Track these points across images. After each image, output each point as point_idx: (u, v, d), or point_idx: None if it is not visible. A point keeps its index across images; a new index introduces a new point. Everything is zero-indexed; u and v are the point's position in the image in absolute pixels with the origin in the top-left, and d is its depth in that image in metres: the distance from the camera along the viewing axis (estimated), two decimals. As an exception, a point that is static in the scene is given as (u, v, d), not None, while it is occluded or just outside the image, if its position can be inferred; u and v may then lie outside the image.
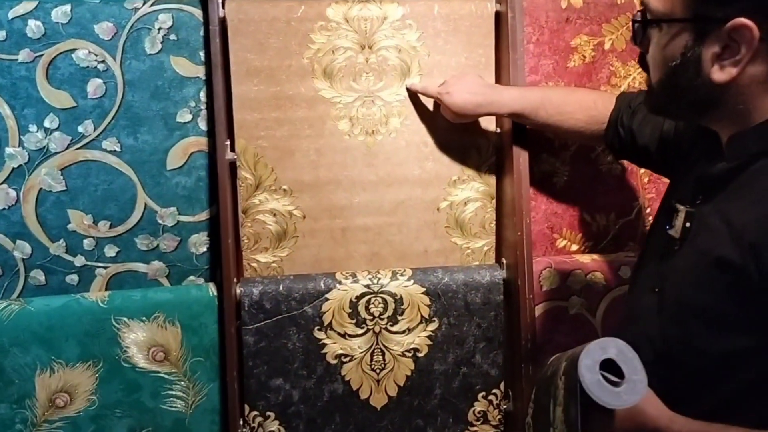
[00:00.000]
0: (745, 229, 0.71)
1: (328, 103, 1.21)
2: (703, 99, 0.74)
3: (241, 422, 1.21)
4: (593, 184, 1.31)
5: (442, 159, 1.26)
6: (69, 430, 1.16)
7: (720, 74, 0.70)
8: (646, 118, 1.01)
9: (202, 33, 1.15)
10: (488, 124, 1.26)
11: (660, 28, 0.75)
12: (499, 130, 1.26)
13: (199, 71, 1.16)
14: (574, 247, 1.33)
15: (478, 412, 1.29)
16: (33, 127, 1.12)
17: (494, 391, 1.29)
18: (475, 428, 1.29)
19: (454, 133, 1.25)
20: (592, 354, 0.76)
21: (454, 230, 1.29)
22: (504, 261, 1.28)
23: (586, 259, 1.30)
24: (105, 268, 1.19)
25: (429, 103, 1.24)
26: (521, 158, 1.20)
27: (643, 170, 1.31)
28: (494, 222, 1.30)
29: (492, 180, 1.28)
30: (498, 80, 1.24)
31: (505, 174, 1.26)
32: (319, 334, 1.22)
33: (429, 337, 1.26)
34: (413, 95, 1.23)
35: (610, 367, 0.77)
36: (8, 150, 1.12)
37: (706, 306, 0.75)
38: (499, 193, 1.29)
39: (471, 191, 1.28)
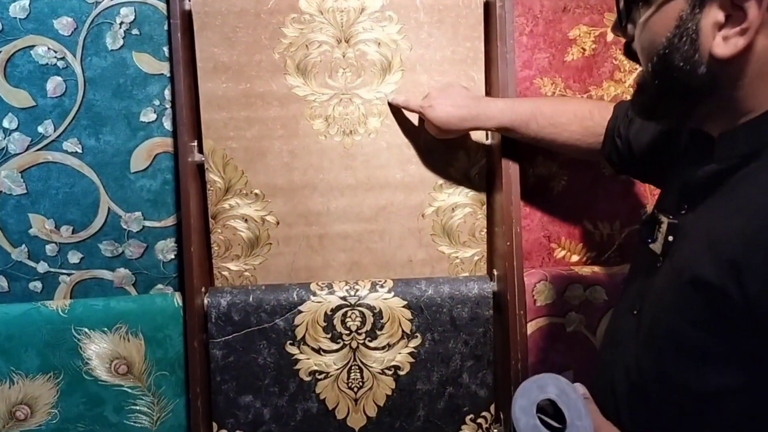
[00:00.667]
0: (724, 244, 0.59)
1: (302, 101, 1.13)
2: (698, 85, 0.62)
3: (210, 440, 1.14)
4: (595, 189, 1.19)
5: (426, 161, 1.16)
6: (29, 444, 1.11)
7: (724, 47, 0.58)
8: (644, 125, 0.90)
9: (166, 27, 1.08)
10: (477, 123, 1.15)
11: (647, 1, 0.64)
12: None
13: (164, 68, 1.10)
14: (575, 258, 1.21)
15: (466, 436, 1.19)
16: (-9, 128, 1.07)
17: (483, 413, 1.19)
18: (463, 453, 1.19)
19: (439, 133, 1.15)
20: (527, 393, 0.66)
21: (441, 238, 1.19)
22: (495, 272, 1.17)
23: (586, 271, 1.18)
24: (69, 275, 1.13)
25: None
26: (511, 161, 1.10)
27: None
28: (485, 230, 1.20)
29: (482, 184, 1.18)
30: (487, 75, 1.14)
31: (496, 178, 1.15)
32: (292, 349, 1.14)
33: (411, 354, 1.16)
34: (396, 110, 1.14)
35: (551, 408, 0.66)
36: (-34, 151, 1.07)
37: (682, 333, 0.64)
38: (490, 198, 1.19)
39: (459, 196, 1.18)
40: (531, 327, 1.16)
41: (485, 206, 1.19)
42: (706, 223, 0.64)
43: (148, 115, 1.10)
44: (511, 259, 1.11)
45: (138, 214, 1.13)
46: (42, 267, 1.12)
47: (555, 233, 1.20)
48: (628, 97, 1.16)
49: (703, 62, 0.61)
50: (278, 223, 1.16)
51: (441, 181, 1.17)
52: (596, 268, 1.19)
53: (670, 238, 0.69)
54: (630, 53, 0.71)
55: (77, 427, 1.12)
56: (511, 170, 1.10)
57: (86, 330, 1.10)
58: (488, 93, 1.15)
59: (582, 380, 1.11)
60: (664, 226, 0.70)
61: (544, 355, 1.17)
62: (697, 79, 0.62)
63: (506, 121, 1.03)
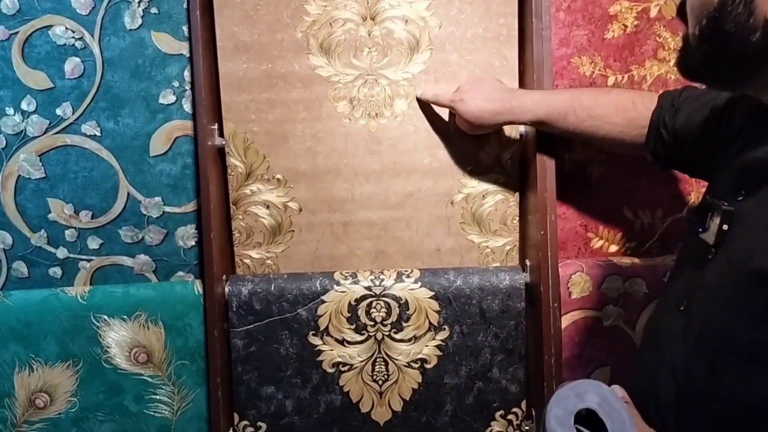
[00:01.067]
0: None
1: (326, 82, 1.08)
2: (752, 53, 0.56)
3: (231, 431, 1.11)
4: (636, 175, 1.12)
5: (456, 146, 1.11)
6: (49, 432, 1.10)
7: None
8: (691, 114, 0.83)
9: (185, 6, 1.04)
10: (510, 105, 1.09)
11: None
12: (523, 112, 1.09)
13: (183, 48, 1.06)
14: (613, 248, 1.14)
15: (496, 433, 1.14)
16: (10, 110, 1.05)
17: (514, 410, 1.13)
18: (492, 450, 1.14)
19: (470, 115, 1.09)
20: (563, 401, 0.60)
21: (471, 227, 1.14)
22: (528, 263, 1.11)
23: (625, 262, 1.11)
24: (88, 261, 1.11)
25: (439, 84, 1.08)
26: (546, 145, 1.04)
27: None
28: (517, 218, 1.14)
29: (515, 170, 1.12)
30: (521, 54, 1.07)
31: (529, 163, 1.09)
32: (315, 340, 1.10)
33: (438, 346, 1.11)
34: (425, 104, 1.09)
35: (590, 418, 0.60)
36: (-15, 135, 1.05)
37: (739, 333, 0.58)
38: (524, 185, 1.12)
39: (490, 183, 1.12)
40: (566, 320, 1.10)
41: (518, 193, 1.13)
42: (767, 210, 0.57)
43: (167, 97, 1.07)
44: (545, 248, 1.04)
45: (158, 199, 1.09)
46: (61, 252, 1.10)
47: (592, 222, 1.13)
48: (673, 77, 1.09)
49: (757, 28, 0.54)
50: (301, 210, 1.12)
51: (471, 166, 1.11)
52: (636, 259, 1.12)
53: (725, 227, 0.62)
54: (683, 13, 0.64)
55: (97, 416, 1.10)
56: (546, 155, 1.04)
57: (105, 317, 1.08)
58: (522, 73, 1.08)
59: (619, 380, 1.06)
60: (717, 214, 0.64)
61: (579, 351, 1.11)
62: (751, 47, 0.55)
63: (542, 113, 0.96)
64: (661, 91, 0.92)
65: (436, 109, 1.09)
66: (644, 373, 0.73)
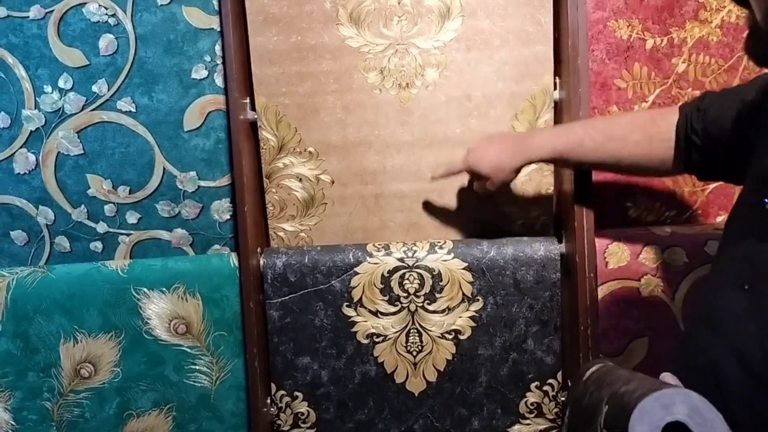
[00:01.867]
0: None
1: (356, 53, 1.07)
2: None
3: (269, 401, 1.13)
4: (676, 142, 1.08)
5: (488, 115, 1.09)
6: (95, 401, 1.13)
7: None
8: (721, 111, 0.79)
9: (215, -21, 1.05)
10: (543, 72, 1.07)
11: None
12: (557, 80, 1.07)
13: (213, 22, 1.06)
14: (651, 218, 1.12)
15: (531, 404, 1.13)
16: (48, 88, 1.07)
17: (550, 381, 1.12)
18: (527, 421, 1.13)
19: (502, 83, 1.07)
20: (648, 414, 0.54)
21: (505, 197, 1.12)
22: (563, 233, 1.10)
23: (664, 231, 1.09)
24: (128, 235, 1.13)
25: (471, 52, 1.06)
26: (581, 110, 1.01)
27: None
28: (552, 187, 1.12)
29: (550, 138, 1.10)
30: (556, 19, 1.04)
31: (564, 131, 1.07)
32: (349, 311, 1.11)
33: (472, 318, 1.11)
34: (453, 60, 1.07)
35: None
36: (25, 112, 1.08)
37: None
38: (558, 153, 1.10)
39: (524, 152, 1.10)
40: (602, 291, 1.09)
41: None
42: None
43: (199, 72, 1.08)
44: (581, 218, 1.03)
45: (193, 173, 1.11)
46: (101, 227, 1.13)
47: (629, 190, 1.10)
48: (715, 39, 1.05)
49: None
50: (333, 183, 1.12)
51: (504, 135, 1.10)
52: (675, 228, 1.10)
53: None
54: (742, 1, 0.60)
55: (139, 386, 1.13)
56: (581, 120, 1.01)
57: (145, 290, 1.10)
58: (557, 40, 1.06)
59: (658, 352, 1.04)
60: None
61: (616, 321, 1.09)
62: None
63: (558, 145, 0.93)
64: (679, 104, 0.88)
65: (468, 77, 1.07)
66: (696, 354, 0.69)
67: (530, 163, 0.98)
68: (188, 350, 1.12)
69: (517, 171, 0.98)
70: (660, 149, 0.87)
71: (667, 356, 1.09)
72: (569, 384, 1.11)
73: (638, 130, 0.88)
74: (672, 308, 1.09)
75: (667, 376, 0.64)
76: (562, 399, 1.12)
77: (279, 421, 1.14)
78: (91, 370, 1.13)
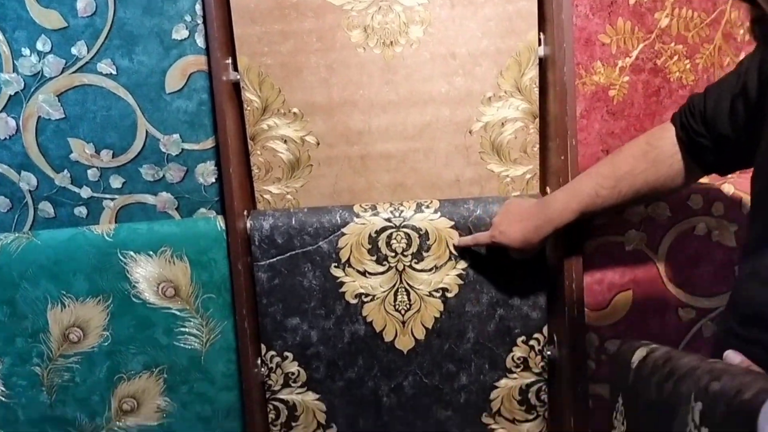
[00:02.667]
0: None
1: (338, 10, 1.06)
2: None
3: (259, 362, 1.14)
4: (660, 97, 1.09)
5: (473, 73, 1.09)
6: (85, 366, 1.14)
7: None
8: (720, 96, 0.80)
9: (193, -64, 1.03)
10: (527, 28, 1.06)
11: None
12: (542, 36, 1.07)
13: (193, -20, 1.04)
14: (635, 174, 1.13)
15: (518, 358, 1.15)
16: (26, 51, 1.05)
17: (536, 335, 1.14)
18: (514, 375, 1.16)
19: (487, 40, 1.07)
20: None
21: (490, 156, 1.13)
22: (548, 190, 1.10)
23: (647, 187, 1.10)
24: (112, 199, 1.13)
25: (455, 8, 1.06)
26: (566, 66, 1.01)
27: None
28: (537, 145, 1.12)
29: (534, 95, 1.10)
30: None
31: (549, 87, 1.07)
32: (337, 272, 1.12)
33: (459, 275, 1.12)
34: (438, 17, 1.07)
35: None
36: (3, 76, 1.06)
37: None
38: (543, 110, 1.10)
39: (509, 110, 1.10)
40: (588, 246, 1.10)
41: (538, 120, 1.11)
42: None
43: (180, 32, 1.06)
44: (565, 175, 1.03)
45: (176, 136, 1.10)
46: (85, 192, 1.12)
47: (614, 147, 1.10)
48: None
49: None
50: (318, 144, 1.12)
51: (490, 93, 1.09)
52: (659, 184, 1.11)
53: None
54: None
55: (129, 349, 1.13)
56: (566, 78, 1.01)
57: (132, 253, 1.10)
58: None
59: (643, 306, 1.05)
60: None
61: (601, 276, 1.11)
62: None
63: (576, 206, 0.95)
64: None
65: (453, 33, 1.06)
66: (747, 307, 0.70)
67: (557, 230, 0.99)
68: (177, 313, 1.13)
69: (545, 239, 1.01)
70: (669, 168, 0.89)
71: (651, 309, 1.12)
72: (555, 339, 1.13)
73: (640, 160, 0.90)
74: (655, 262, 1.10)
75: (731, 355, 0.63)
76: (548, 353, 1.14)
77: (270, 381, 1.16)
78: (80, 335, 1.13)
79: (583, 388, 1.07)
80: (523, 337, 1.14)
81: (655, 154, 0.89)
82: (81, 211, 1.13)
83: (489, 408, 1.16)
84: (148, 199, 1.13)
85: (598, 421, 1.16)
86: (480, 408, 1.16)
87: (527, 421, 1.17)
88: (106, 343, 1.13)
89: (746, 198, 1.08)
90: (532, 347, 1.15)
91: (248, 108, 1.10)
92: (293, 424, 1.17)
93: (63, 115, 1.08)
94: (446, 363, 1.15)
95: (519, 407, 1.16)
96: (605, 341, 1.13)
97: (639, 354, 0.74)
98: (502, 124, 1.11)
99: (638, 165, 0.90)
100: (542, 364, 1.15)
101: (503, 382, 1.16)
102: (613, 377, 0.83)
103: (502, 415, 1.17)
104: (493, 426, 1.17)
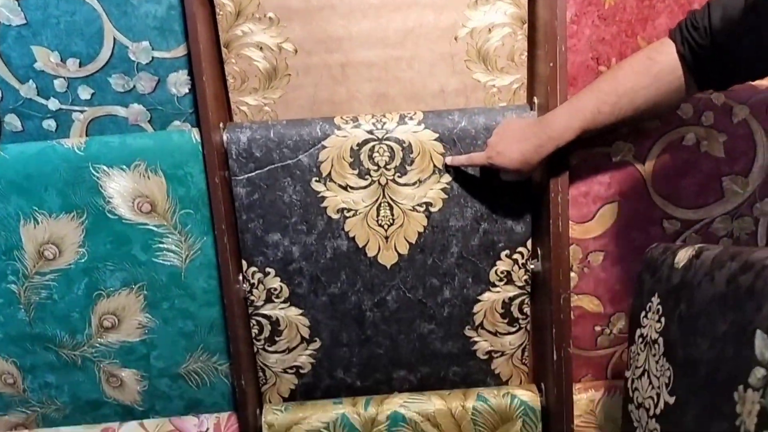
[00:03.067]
0: None
1: None
2: None
3: (241, 278, 1.13)
4: (653, 1, 1.04)
5: (459, -27, 1.03)
6: (62, 283, 1.11)
7: None
8: (726, 7, 0.78)
9: None
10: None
11: None
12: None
13: None
14: (625, 83, 1.09)
15: (501, 272, 1.14)
16: (-22, -51, 0.98)
17: (520, 249, 1.13)
18: (497, 289, 1.15)
19: (474, -62, 1.01)
20: None
21: (476, 64, 1.08)
22: (536, 101, 1.07)
23: (637, 96, 1.06)
24: (81, 111, 1.07)
25: None
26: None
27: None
28: (525, 53, 1.08)
29: (523, 0, 1.05)
30: None
31: (538, -10, 1.02)
32: (318, 186, 1.09)
33: (443, 189, 1.10)
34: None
35: None
36: (-45, -23, 0.99)
37: None
38: (532, 15, 1.05)
39: (497, 14, 1.05)
40: (574, 158, 1.08)
41: (526, 25, 1.06)
42: None
43: (144, -72, 0.99)
44: (554, 83, 1.00)
45: (145, 43, 1.04)
46: (53, 104, 1.07)
47: (605, 54, 1.06)
48: None
49: None
50: (296, 51, 1.06)
51: (476, -4, 1.04)
52: (649, 93, 1.07)
53: None
54: None
55: (107, 266, 1.11)
56: (555, -22, 0.96)
57: (104, 168, 1.06)
58: None
59: (628, 218, 1.04)
60: None
61: (586, 188, 1.09)
62: None
63: (578, 123, 0.92)
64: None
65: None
66: None
67: (558, 148, 0.95)
68: (155, 229, 1.10)
69: (544, 160, 0.97)
70: (669, 84, 0.87)
71: (636, 221, 1.11)
72: (539, 252, 1.12)
73: (643, 75, 0.88)
74: (642, 173, 1.08)
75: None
76: (532, 267, 1.14)
77: (252, 297, 1.15)
78: (55, 252, 1.10)
79: (565, 301, 1.07)
80: (507, 251, 1.13)
81: (658, 69, 0.87)
82: (50, 124, 1.08)
83: (472, 321, 1.17)
84: (119, 111, 1.08)
85: (580, 333, 1.17)
86: (463, 321, 1.17)
87: (509, 333, 1.18)
88: (83, 260, 1.11)
89: (737, 108, 1.05)
90: (515, 261, 1.14)
91: (221, 12, 1.03)
92: (277, 338, 1.17)
93: (24, 21, 1.01)
94: (429, 277, 1.15)
95: (501, 320, 1.17)
96: (588, 254, 1.13)
97: (684, 255, 0.74)
98: (489, 29, 1.06)
99: (640, 81, 0.88)
100: (525, 277, 1.15)
101: (486, 295, 1.16)
102: (641, 283, 0.83)
103: (485, 327, 1.17)
104: (476, 338, 1.18)
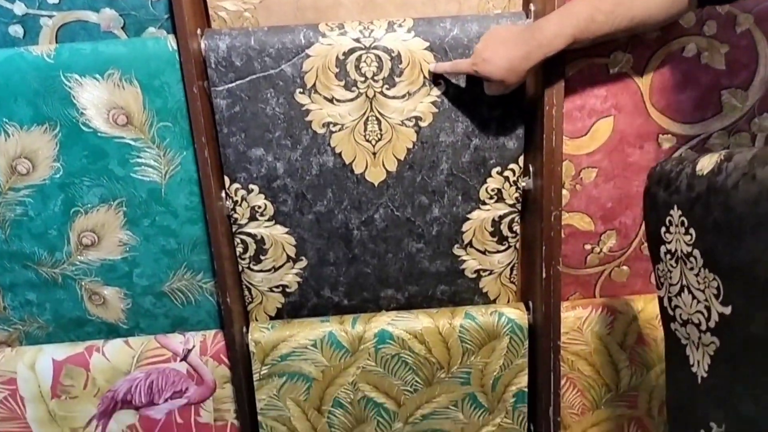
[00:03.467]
0: None
1: None
2: None
3: (224, 195, 1.10)
4: None
5: None
6: (38, 199, 1.07)
7: None
8: None
9: None
10: None
11: None
12: None
13: None
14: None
15: (492, 190, 1.12)
16: None
17: (511, 166, 1.10)
18: (487, 207, 1.13)
19: None
20: None
21: (470, -32, 1.02)
22: (532, 7, 1.01)
23: (638, 4, 1.01)
24: (50, 17, 1.01)
25: None
26: None
27: None
28: (522, -43, 1.02)
29: None
30: None
31: None
32: (302, 98, 1.04)
33: (434, 103, 1.05)
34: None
35: None
36: None
37: None
38: None
39: None
40: (570, 69, 1.03)
41: (523, -75, 1.00)
42: None
43: None
44: (550, -10, 0.94)
45: (114, -61, 0.97)
46: (19, 8, 1.00)
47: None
48: None
49: None
50: (278, -49, 1.00)
51: None
52: None
53: None
54: None
55: (83, 181, 1.07)
56: None
57: (77, 77, 1.00)
58: None
59: (623, 132, 1.00)
60: None
61: (582, 101, 1.05)
62: None
63: (570, 30, 0.87)
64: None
65: None
66: None
67: (547, 57, 0.90)
68: (132, 143, 1.05)
69: (532, 70, 0.92)
70: None
71: (631, 136, 1.07)
72: (531, 169, 1.09)
73: None
74: (639, 86, 1.04)
75: None
76: (523, 184, 1.11)
77: (236, 215, 1.12)
78: (29, 166, 1.06)
79: (556, 218, 1.05)
80: (498, 168, 1.10)
81: None
82: (16, 30, 1.01)
83: (461, 240, 1.15)
84: (90, 16, 1.01)
85: (569, 251, 1.16)
86: (452, 240, 1.15)
87: (498, 252, 1.16)
88: (58, 175, 1.06)
89: (741, 17, 1.00)
90: (507, 178, 1.11)
91: None
92: (262, 257, 1.15)
93: None
94: (418, 195, 1.12)
95: (491, 238, 1.15)
96: (581, 170, 1.10)
97: (709, 161, 0.70)
98: (484, -70, 0.99)
99: None
100: (516, 195, 1.12)
101: (476, 213, 1.13)
102: (652, 198, 0.81)
103: (474, 246, 1.15)
104: (464, 257, 1.16)
